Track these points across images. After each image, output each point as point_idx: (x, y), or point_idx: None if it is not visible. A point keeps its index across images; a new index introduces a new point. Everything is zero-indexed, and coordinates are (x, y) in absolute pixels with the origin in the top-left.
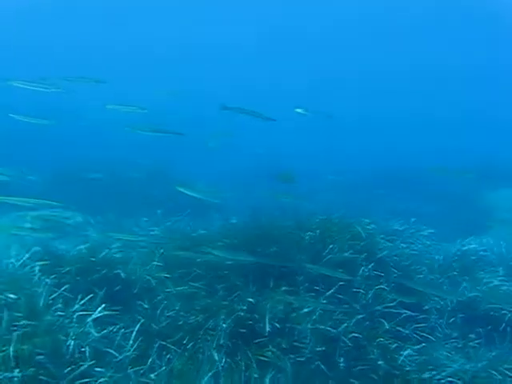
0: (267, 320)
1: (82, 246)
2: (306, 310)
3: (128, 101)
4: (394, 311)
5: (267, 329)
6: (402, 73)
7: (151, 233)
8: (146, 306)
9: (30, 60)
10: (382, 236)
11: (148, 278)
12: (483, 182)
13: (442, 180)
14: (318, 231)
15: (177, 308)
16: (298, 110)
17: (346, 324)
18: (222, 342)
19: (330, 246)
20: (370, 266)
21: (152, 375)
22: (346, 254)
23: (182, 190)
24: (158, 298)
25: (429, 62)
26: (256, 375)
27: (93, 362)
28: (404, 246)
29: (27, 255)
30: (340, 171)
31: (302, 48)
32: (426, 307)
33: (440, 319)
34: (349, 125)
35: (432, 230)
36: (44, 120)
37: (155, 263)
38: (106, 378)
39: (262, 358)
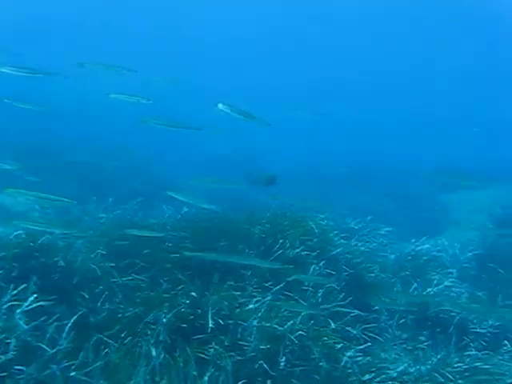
0: (209, 316)
1: (21, 231)
2: (251, 306)
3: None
4: (344, 310)
5: (210, 325)
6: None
7: (100, 220)
8: (86, 297)
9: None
10: (336, 232)
11: (92, 266)
12: (442, 183)
13: (403, 180)
14: (268, 225)
15: (117, 300)
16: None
17: (292, 321)
18: (161, 337)
19: (281, 241)
20: (320, 264)
21: (84, 370)
22: (297, 251)
23: (172, 194)
24: (100, 288)
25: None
26: (195, 373)
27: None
28: (359, 244)
29: None
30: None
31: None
32: (376, 307)
33: (390, 320)
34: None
35: (389, 229)
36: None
37: (100, 251)
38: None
39: (202, 356)
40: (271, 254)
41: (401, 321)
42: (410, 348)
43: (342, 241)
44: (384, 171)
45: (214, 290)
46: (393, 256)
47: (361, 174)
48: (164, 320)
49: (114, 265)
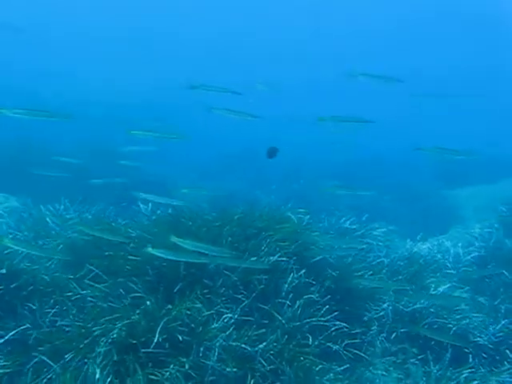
0: (157, 333)
1: None
2: (217, 323)
3: None
4: (327, 324)
5: (155, 339)
6: None
7: (69, 222)
8: (33, 308)
9: None
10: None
11: (44, 277)
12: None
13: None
14: (238, 228)
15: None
16: None
17: (265, 342)
18: (110, 357)
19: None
20: (301, 272)
21: None
22: (272, 258)
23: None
24: (51, 301)
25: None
26: None
27: None
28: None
29: None
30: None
31: None
32: (365, 318)
33: (380, 333)
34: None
35: (386, 229)
36: None
37: (56, 258)
38: None
39: (154, 378)
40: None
41: (392, 333)
42: (399, 362)
43: (326, 242)
44: (382, 163)
45: (177, 302)
46: (387, 259)
47: (358, 168)
48: (114, 335)
49: (71, 276)
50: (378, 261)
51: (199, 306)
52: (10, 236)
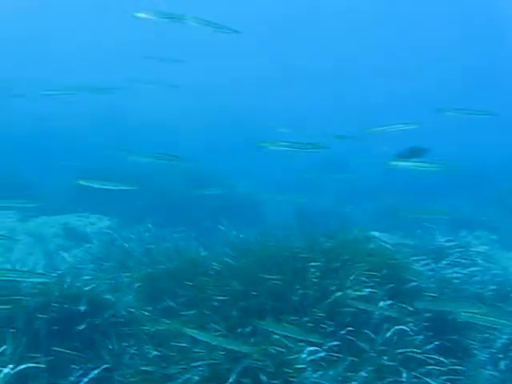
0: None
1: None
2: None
3: None
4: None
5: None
6: None
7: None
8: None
9: None
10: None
11: (123, 311)
12: None
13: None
14: (323, 259)
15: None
16: None
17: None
18: None
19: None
20: (392, 301)
21: None
22: (361, 292)
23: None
24: (129, 336)
25: None
26: None
27: None
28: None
29: None
30: None
31: None
32: (470, 351)
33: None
34: None
35: (486, 247)
36: None
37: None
38: None
39: None
40: (328, 294)
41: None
42: None
43: (422, 268)
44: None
45: (260, 338)
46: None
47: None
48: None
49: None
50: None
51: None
52: (93, 266)
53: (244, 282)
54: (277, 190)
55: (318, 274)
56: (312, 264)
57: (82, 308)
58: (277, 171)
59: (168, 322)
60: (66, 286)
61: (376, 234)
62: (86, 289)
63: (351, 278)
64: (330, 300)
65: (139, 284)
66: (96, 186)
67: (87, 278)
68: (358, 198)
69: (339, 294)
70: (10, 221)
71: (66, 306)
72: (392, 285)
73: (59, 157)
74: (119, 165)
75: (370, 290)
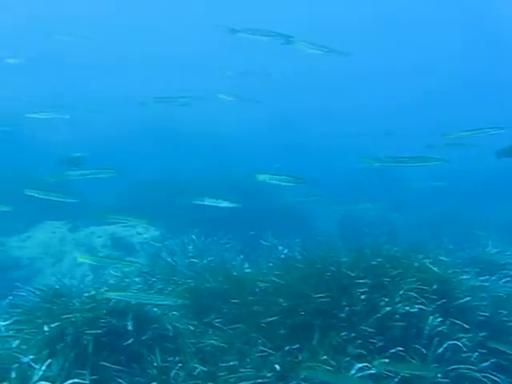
0: None
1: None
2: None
3: None
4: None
5: None
6: None
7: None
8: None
9: None
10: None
11: (168, 325)
12: None
13: None
14: (371, 275)
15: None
16: None
17: None
18: None
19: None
20: (444, 317)
21: None
22: (411, 308)
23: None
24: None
25: None
26: None
27: None
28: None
29: None
30: None
31: None
32: None
33: None
34: None
35: None
36: None
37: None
38: None
39: None
40: (376, 310)
41: None
42: None
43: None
44: None
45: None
46: None
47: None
48: None
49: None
50: None
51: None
52: (139, 279)
53: (290, 299)
54: (323, 198)
55: (365, 289)
56: (359, 281)
57: (129, 324)
58: (323, 177)
59: (215, 337)
60: (113, 301)
61: (424, 245)
62: (133, 303)
63: (400, 292)
64: (378, 315)
65: (184, 299)
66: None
67: (134, 291)
68: (406, 205)
69: (388, 309)
70: (60, 231)
71: (113, 321)
72: (444, 300)
73: None
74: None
75: (419, 306)
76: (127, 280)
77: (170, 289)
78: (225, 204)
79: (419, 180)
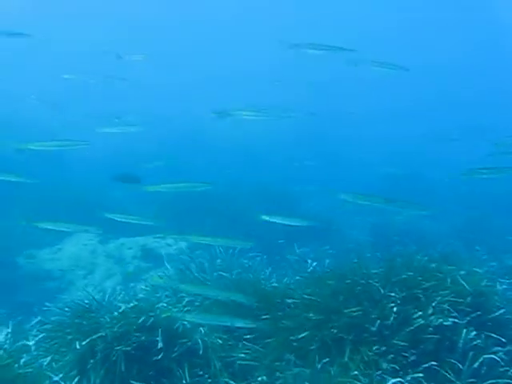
0: None
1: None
2: None
3: None
4: None
5: None
6: None
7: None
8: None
9: None
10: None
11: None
12: None
13: None
14: (403, 287)
15: None
16: None
17: None
18: None
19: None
20: (479, 331)
21: None
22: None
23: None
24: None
25: None
26: None
27: None
28: None
29: None
30: None
31: None
32: None
33: None
34: None
35: None
36: None
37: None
38: None
39: None
40: (409, 322)
41: None
42: None
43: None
44: None
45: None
46: None
47: None
48: None
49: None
50: None
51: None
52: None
53: (320, 314)
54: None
55: (398, 301)
56: (390, 294)
57: (159, 339)
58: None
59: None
60: (143, 318)
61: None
62: (163, 316)
63: (433, 304)
64: (411, 328)
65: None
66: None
67: (163, 306)
68: (437, 211)
69: (421, 322)
70: (92, 243)
71: (143, 338)
72: (478, 313)
73: None
74: None
75: (453, 319)
76: (157, 294)
77: (197, 303)
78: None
79: (450, 186)
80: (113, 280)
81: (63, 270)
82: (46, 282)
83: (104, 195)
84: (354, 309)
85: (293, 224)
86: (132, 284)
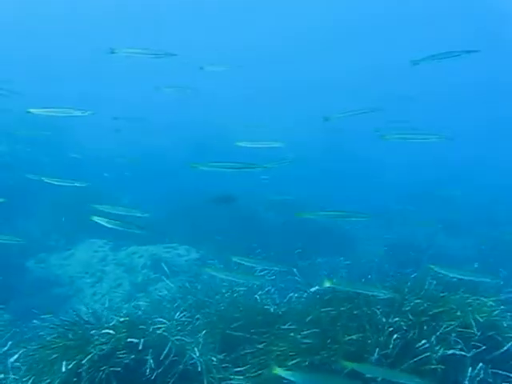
0: None
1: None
2: None
3: None
4: None
5: None
6: None
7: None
8: None
9: None
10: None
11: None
12: None
13: None
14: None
15: None
16: None
17: None
18: None
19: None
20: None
21: None
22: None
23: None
24: None
25: None
26: None
27: None
28: None
29: None
30: None
31: None
32: None
33: None
34: None
35: None
36: None
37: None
38: None
39: None
40: (413, 353)
41: None
42: None
43: None
44: None
45: None
46: None
47: None
48: None
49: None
50: None
51: None
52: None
53: (316, 339)
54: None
55: (403, 328)
56: (394, 320)
57: (149, 358)
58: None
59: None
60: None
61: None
62: (158, 332)
63: (437, 333)
64: (414, 360)
65: (212, 330)
66: None
67: (164, 323)
68: (456, 229)
69: (424, 353)
70: (103, 250)
71: (133, 356)
72: (486, 347)
73: None
74: None
75: (458, 351)
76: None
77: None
78: None
79: (472, 202)
80: (120, 289)
81: (72, 277)
82: (54, 288)
83: None
84: (354, 337)
85: None
86: (139, 294)
